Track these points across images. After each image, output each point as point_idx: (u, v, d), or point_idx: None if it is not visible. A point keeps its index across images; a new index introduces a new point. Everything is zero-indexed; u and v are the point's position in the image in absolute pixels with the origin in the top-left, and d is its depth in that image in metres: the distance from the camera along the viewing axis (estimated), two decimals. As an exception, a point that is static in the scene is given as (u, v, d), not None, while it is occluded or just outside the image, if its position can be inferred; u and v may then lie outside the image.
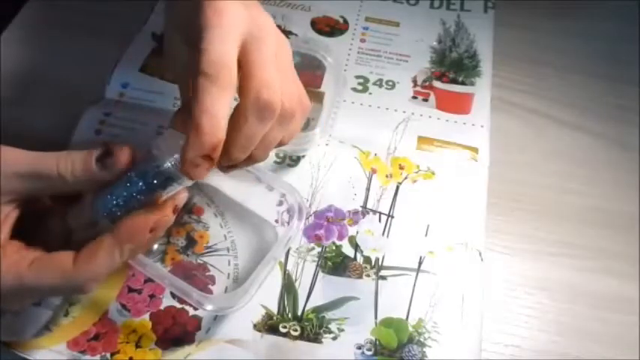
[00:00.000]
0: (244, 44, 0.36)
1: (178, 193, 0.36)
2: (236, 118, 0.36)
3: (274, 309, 0.43)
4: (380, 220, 0.47)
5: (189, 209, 0.47)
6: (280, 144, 0.41)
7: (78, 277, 0.33)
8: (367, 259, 0.45)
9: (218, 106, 0.33)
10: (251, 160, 0.39)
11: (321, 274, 0.45)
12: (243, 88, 0.36)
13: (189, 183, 0.36)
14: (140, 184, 0.35)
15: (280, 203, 0.47)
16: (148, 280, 0.43)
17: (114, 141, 0.38)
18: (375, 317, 0.43)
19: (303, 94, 0.41)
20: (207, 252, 0.45)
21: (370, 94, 0.55)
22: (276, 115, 0.37)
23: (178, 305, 0.43)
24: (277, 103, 0.36)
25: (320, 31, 0.59)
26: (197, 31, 0.35)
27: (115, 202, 0.35)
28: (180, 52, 0.38)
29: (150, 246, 0.36)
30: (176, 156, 0.34)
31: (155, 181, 0.35)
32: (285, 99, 0.37)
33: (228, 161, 0.36)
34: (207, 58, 0.33)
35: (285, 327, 0.42)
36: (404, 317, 0.43)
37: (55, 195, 0.36)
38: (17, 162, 0.34)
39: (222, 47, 0.34)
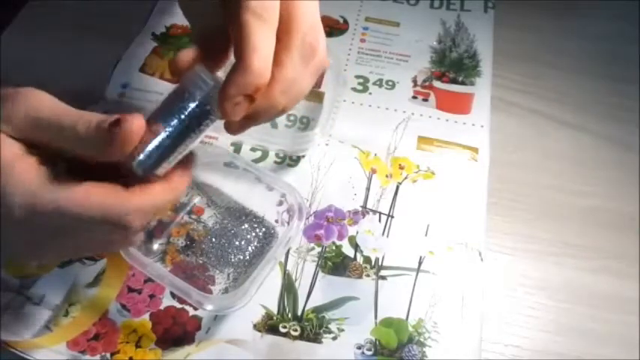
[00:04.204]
0: None
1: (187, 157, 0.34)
2: (280, 58, 0.34)
3: (274, 309, 0.43)
4: (380, 220, 0.47)
5: (189, 210, 0.47)
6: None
7: (130, 201, 0.31)
8: (367, 259, 0.45)
9: (267, 45, 0.32)
10: (283, 111, 0.37)
11: (321, 274, 0.44)
12: (287, 28, 0.34)
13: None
14: (175, 122, 0.32)
15: (280, 203, 0.47)
16: (148, 280, 0.43)
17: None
18: (375, 317, 0.43)
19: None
20: (207, 252, 0.45)
21: (370, 94, 0.55)
22: (316, 59, 0.36)
23: (178, 305, 0.43)
24: (321, 46, 0.36)
25: (320, 31, 0.59)
26: None
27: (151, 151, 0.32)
28: None
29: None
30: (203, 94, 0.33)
31: (191, 119, 0.33)
32: (324, 46, 0.37)
33: (267, 106, 0.35)
34: None
35: (285, 327, 0.42)
36: (404, 317, 0.43)
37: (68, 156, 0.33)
38: (41, 107, 0.32)
39: None
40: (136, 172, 0.32)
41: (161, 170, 0.33)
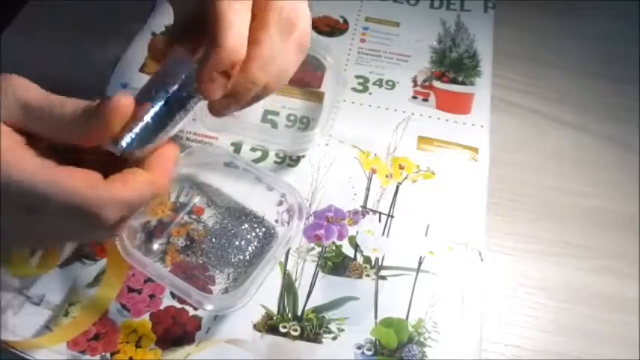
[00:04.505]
0: None
1: (167, 149, 0.34)
2: (256, 35, 0.34)
3: (274, 309, 0.43)
4: (380, 220, 0.47)
5: (189, 210, 0.47)
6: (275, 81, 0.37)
7: (106, 192, 0.30)
8: (367, 259, 0.45)
9: (240, 22, 0.32)
10: (266, 90, 0.36)
11: (321, 274, 0.44)
12: (263, 5, 0.34)
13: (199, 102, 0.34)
14: (157, 104, 0.32)
15: (280, 203, 0.47)
16: (148, 280, 0.43)
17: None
18: (375, 317, 0.43)
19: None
20: (207, 252, 0.45)
21: (370, 94, 0.55)
22: (296, 34, 0.35)
23: (178, 305, 0.43)
24: (301, 21, 0.35)
25: (320, 31, 0.59)
26: None
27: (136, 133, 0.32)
28: None
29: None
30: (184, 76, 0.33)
31: (173, 101, 0.33)
32: (306, 21, 0.36)
33: (245, 83, 0.34)
34: None
35: (285, 327, 0.42)
36: (404, 317, 0.43)
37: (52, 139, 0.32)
38: (28, 93, 0.32)
39: None
40: (116, 153, 0.32)
41: (143, 152, 0.33)
